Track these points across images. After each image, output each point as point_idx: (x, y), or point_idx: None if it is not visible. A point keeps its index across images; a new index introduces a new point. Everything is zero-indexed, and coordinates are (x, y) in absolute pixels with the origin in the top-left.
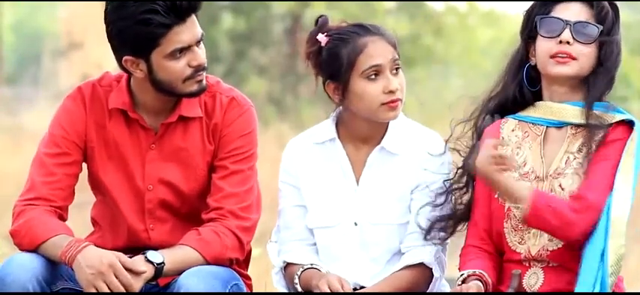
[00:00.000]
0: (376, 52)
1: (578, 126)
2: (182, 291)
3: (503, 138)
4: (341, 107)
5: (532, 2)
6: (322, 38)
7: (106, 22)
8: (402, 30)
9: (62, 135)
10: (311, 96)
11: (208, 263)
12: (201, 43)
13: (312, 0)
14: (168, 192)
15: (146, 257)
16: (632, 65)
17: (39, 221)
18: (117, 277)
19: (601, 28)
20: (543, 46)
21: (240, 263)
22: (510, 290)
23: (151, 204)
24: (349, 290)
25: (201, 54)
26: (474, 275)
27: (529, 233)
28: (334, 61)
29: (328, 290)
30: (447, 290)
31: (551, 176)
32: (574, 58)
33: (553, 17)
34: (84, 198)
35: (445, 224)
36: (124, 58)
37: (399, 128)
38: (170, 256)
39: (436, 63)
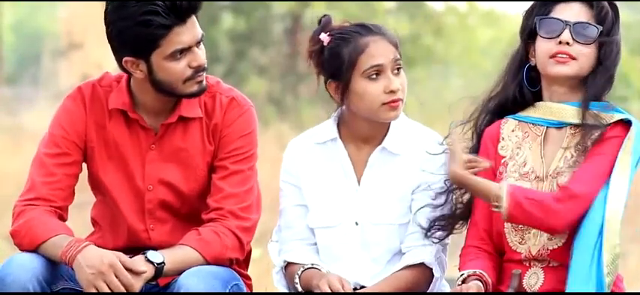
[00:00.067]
0: (377, 52)
1: (577, 126)
2: (182, 291)
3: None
4: (342, 107)
5: (532, 3)
6: (324, 37)
7: (106, 23)
8: (402, 30)
9: (62, 135)
10: (311, 97)
11: (208, 263)
12: (202, 43)
13: (312, 0)
14: (168, 192)
15: (146, 257)
16: (632, 65)
17: (39, 222)
18: (117, 277)
19: (601, 28)
20: (543, 47)
21: (240, 263)
22: (510, 290)
23: (151, 205)
24: (349, 290)
25: (201, 54)
26: (473, 275)
27: (529, 233)
28: (335, 60)
29: (329, 290)
30: (447, 290)
31: (550, 176)
32: (574, 58)
33: (553, 18)
34: (84, 198)
35: (445, 223)
36: (124, 58)
37: (401, 128)
38: (170, 256)
39: (436, 63)
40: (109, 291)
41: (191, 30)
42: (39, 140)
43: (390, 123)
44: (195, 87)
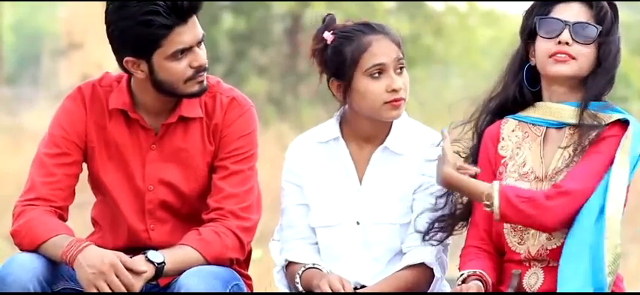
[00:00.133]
0: (380, 51)
1: (575, 126)
2: (182, 291)
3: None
4: (345, 106)
5: (532, 3)
6: (328, 36)
7: (106, 23)
8: (402, 30)
9: (62, 135)
10: (311, 97)
11: (209, 263)
12: (202, 43)
13: (312, 0)
14: (168, 192)
15: (147, 257)
16: (632, 65)
17: (39, 222)
18: (118, 277)
19: (600, 28)
20: (542, 47)
21: (240, 263)
22: (510, 290)
23: (151, 205)
24: (350, 290)
25: (202, 54)
26: (473, 275)
27: (528, 233)
28: (338, 58)
29: (329, 290)
30: (448, 290)
31: (550, 176)
32: (573, 58)
33: (552, 18)
34: (84, 198)
35: (444, 224)
36: (125, 58)
37: (403, 128)
38: (170, 256)
39: (436, 63)
40: (109, 291)
41: (192, 30)
42: (39, 140)
43: (392, 122)
44: (196, 87)
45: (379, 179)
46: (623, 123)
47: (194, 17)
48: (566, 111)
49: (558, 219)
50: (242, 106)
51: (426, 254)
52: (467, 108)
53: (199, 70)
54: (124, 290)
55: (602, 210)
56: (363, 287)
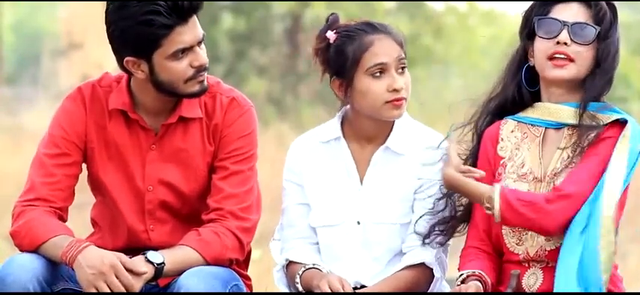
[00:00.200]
0: (382, 50)
1: (574, 127)
2: (182, 291)
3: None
4: (347, 106)
5: (531, 3)
6: (331, 35)
7: (107, 23)
8: (402, 30)
9: (62, 135)
10: (311, 97)
11: (208, 264)
12: (203, 43)
13: (312, 0)
14: (168, 192)
15: (146, 257)
16: (632, 65)
17: (39, 222)
18: (118, 277)
19: (599, 29)
20: (541, 47)
21: (240, 263)
22: (509, 290)
23: (151, 205)
24: (349, 290)
25: (202, 54)
26: (473, 276)
27: (526, 234)
28: (340, 57)
29: (329, 290)
30: (447, 290)
31: (548, 177)
32: (572, 59)
33: (551, 18)
34: (84, 198)
35: (445, 227)
36: (126, 58)
37: (404, 128)
38: (170, 256)
39: (436, 63)
40: (109, 291)
41: (192, 29)
42: (39, 140)
43: (393, 122)
44: (196, 87)
45: (380, 179)
46: (622, 124)
47: (194, 17)
48: (565, 112)
49: (559, 222)
50: (242, 107)
51: (426, 254)
52: (467, 109)
53: (200, 69)
54: (123, 290)
55: (597, 208)
56: (363, 287)
